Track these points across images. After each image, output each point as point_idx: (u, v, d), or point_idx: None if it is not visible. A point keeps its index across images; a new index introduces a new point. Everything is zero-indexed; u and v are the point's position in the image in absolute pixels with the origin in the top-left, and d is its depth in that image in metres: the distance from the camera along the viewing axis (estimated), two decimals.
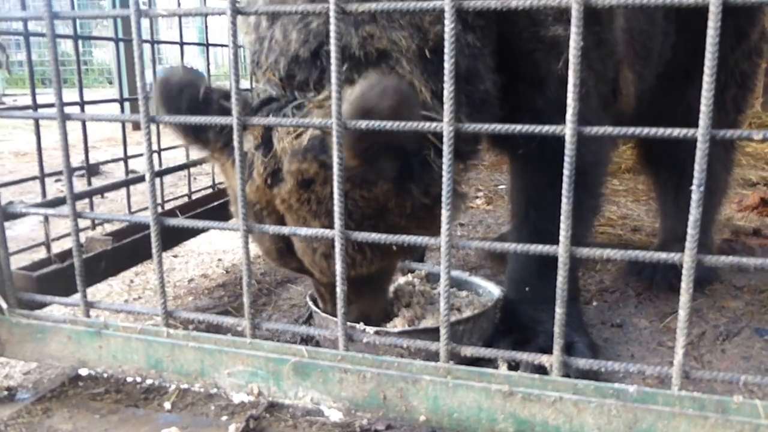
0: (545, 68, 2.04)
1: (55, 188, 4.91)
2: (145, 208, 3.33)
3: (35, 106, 2.35)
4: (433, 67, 1.77)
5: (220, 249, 3.83)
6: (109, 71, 18.36)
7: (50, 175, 2.55)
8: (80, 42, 2.75)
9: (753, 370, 2.27)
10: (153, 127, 1.66)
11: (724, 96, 3.08)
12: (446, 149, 1.44)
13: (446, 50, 1.39)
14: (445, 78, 1.41)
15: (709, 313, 2.77)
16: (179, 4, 3.56)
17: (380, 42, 1.74)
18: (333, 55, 1.45)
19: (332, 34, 1.43)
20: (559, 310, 1.46)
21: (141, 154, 2.52)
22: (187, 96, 1.70)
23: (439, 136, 1.62)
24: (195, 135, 1.80)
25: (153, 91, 1.70)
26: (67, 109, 1.72)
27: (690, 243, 1.33)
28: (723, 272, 3.16)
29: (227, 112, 1.62)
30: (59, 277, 2.28)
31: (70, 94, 2.82)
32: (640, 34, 2.49)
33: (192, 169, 3.61)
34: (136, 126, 8.09)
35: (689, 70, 2.87)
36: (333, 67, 1.45)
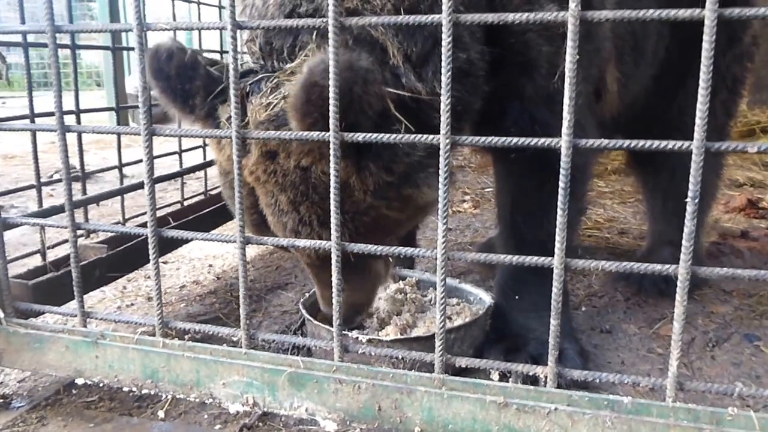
0: (536, 50, 2.00)
1: (45, 192, 4.88)
2: (140, 215, 3.34)
3: (32, 117, 2.35)
4: (408, 28, 1.74)
5: (210, 255, 3.82)
6: (98, 74, 18.30)
7: (46, 184, 2.55)
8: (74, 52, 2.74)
9: (744, 377, 2.28)
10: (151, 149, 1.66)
11: (714, 100, 3.04)
12: (443, 161, 1.45)
13: (443, 63, 1.40)
14: (442, 90, 1.42)
15: (699, 318, 2.78)
16: (173, 14, 3.56)
17: (352, 1, 1.71)
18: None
19: None
20: (553, 322, 1.47)
21: (136, 161, 2.53)
22: (176, 62, 1.68)
23: (402, 106, 1.65)
24: (183, 101, 1.77)
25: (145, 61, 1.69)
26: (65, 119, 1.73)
27: (684, 255, 1.35)
28: (711, 278, 3.16)
29: (213, 78, 1.64)
30: (54, 285, 2.27)
31: (66, 101, 2.81)
32: (630, 35, 2.48)
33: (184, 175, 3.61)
34: (126, 123, 8.02)
35: (683, 71, 2.87)
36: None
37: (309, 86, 1.51)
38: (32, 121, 2.26)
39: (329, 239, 1.63)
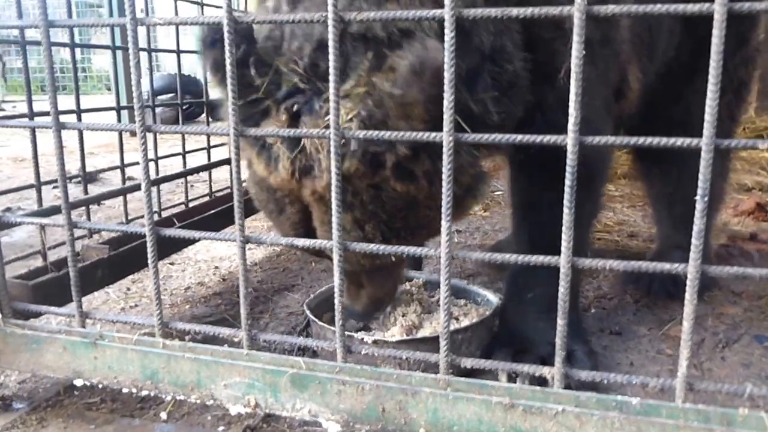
0: (561, 60, 1.93)
1: (53, 195, 4.89)
2: (143, 216, 3.31)
3: (31, 115, 2.33)
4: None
5: (217, 256, 3.81)
6: (107, 78, 18.36)
7: (46, 183, 2.53)
8: (79, 49, 2.73)
9: (753, 378, 2.25)
10: (150, 135, 1.63)
11: (719, 102, 3.07)
12: (446, 159, 1.42)
13: (446, 59, 1.37)
14: (445, 88, 1.38)
15: (709, 320, 2.75)
16: (176, 12, 3.54)
17: (403, 21, 1.66)
18: (331, 63, 1.43)
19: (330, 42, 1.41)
20: (560, 321, 1.44)
21: (137, 163, 2.51)
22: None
23: (468, 121, 1.62)
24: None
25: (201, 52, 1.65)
26: (64, 118, 1.71)
27: (694, 254, 1.31)
28: (721, 279, 3.14)
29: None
30: (55, 286, 2.25)
31: (69, 102, 2.80)
32: (647, 32, 2.46)
33: (189, 177, 3.59)
34: (134, 132, 8.14)
35: (691, 70, 2.83)
36: (331, 74, 1.43)
37: (433, 72, 1.47)
38: (31, 120, 2.24)
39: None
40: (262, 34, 1.70)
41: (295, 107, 1.64)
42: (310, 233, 1.83)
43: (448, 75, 1.38)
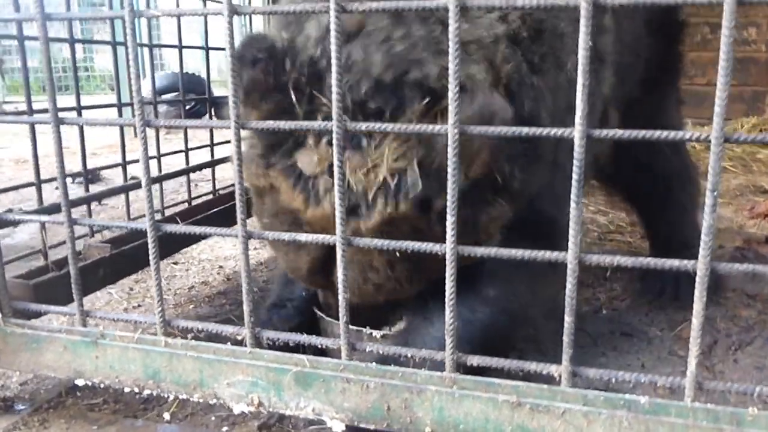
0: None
1: (55, 196, 4.87)
2: (142, 216, 3.30)
3: (30, 111, 2.32)
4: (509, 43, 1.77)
5: (221, 256, 3.79)
6: (110, 77, 18.34)
7: (47, 181, 2.51)
8: (82, 48, 2.72)
9: (767, 381, 2.23)
10: (152, 132, 1.61)
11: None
12: (451, 151, 1.39)
13: (450, 50, 1.35)
14: (450, 80, 1.36)
15: (721, 322, 2.73)
16: (178, 5, 3.52)
17: (473, 33, 1.69)
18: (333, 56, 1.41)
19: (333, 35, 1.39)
20: (567, 319, 1.42)
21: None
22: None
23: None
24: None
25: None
26: (63, 115, 1.69)
27: (704, 250, 1.29)
28: (735, 281, 3.11)
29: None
30: (57, 286, 2.23)
31: (71, 100, 2.78)
32: (625, 72, 2.48)
33: (193, 176, 3.57)
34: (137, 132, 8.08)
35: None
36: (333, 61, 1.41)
37: (501, 122, 1.52)
38: (30, 115, 2.22)
39: (410, 293, 1.75)
40: (301, 59, 1.67)
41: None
42: (328, 272, 1.80)
43: (452, 66, 1.35)
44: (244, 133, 1.60)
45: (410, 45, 1.65)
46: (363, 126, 1.49)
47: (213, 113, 3.84)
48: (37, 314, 2.02)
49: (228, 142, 3.77)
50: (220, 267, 3.59)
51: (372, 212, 1.61)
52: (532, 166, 1.80)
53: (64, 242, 2.62)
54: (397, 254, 1.67)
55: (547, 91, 1.86)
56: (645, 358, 2.42)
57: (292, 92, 1.63)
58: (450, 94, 1.37)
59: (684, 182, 3.20)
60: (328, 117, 1.61)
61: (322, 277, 1.83)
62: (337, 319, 2.02)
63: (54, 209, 2.34)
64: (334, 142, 1.45)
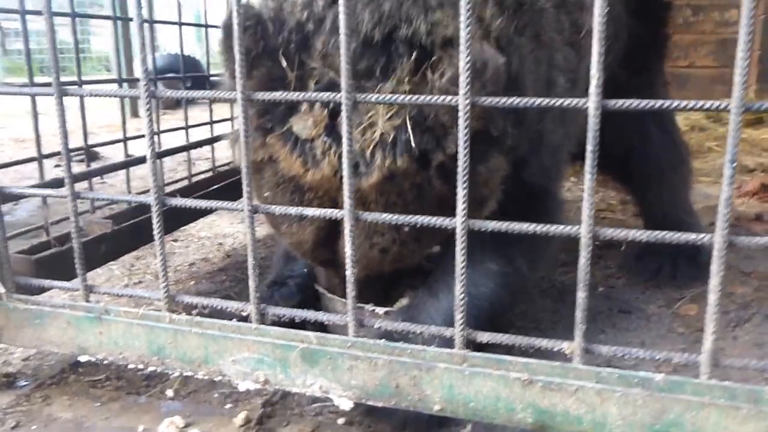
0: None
1: (55, 173, 4.85)
2: (146, 191, 3.27)
3: (31, 83, 2.29)
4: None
5: (220, 233, 3.78)
6: (107, 59, 18.30)
7: (48, 156, 2.47)
8: (78, 30, 2.68)
9: (767, 357, 2.22)
10: (152, 113, 1.57)
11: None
12: (462, 122, 1.36)
13: (462, 17, 1.32)
14: (461, 49, 1.33)
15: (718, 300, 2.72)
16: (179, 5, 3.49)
17: (447, 29, 1.65)
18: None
19: None
20: (581, 294, 1.39)
21: (141, 136, 2.47)
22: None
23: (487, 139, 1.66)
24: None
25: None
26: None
27: (721, 222, 1.26)
28: (729, 258, 3.09)
29: None
30: (58, 261, 2.21)
31: (69, 79, 2.74)
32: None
33: (192, 154, 3.54)
34: (135, 113, 8.06)
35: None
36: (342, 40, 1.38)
37: (494, 71, 1.52)
38: (31, 86, 2.19)
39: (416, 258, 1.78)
40: (289, 25, 1.67)
41: (332, 104, 1.61)
42: (332, 244, 1.79)
43: (464, 34, 1.32)
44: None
45: (398, 2, 1.65)
46: (373, 98, 1.46)
47: None
48: (40, 290, 1.99)
49: (227, 120, 3.76)
50: (220, 244, 3.58)
51: (371, 169, 1.61)
52: (522, 125, 1.80)
53: (64, 220, 2.61)
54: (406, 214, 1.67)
55: (530, 58, 1.86)
56: (645, 336, 2.40)
57: (282, 58, 1.63)
58: (461, 64, 1.34)
59: (676, 163, 3.20)
60: (320, 81, 1.63)
61: (326, 250, 1.82)
62: (340, 296, 2.02)
63: (56, 184, 2.31)
64: (343, 114, 1.42)
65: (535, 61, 1.90)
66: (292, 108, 1.65)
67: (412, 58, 1.61)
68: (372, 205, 1.65)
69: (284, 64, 1.63)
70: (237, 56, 1.46)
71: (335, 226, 1.72)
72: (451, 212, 1.64)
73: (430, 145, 1.61)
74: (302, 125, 1.64)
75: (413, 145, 1.58)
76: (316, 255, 1.86)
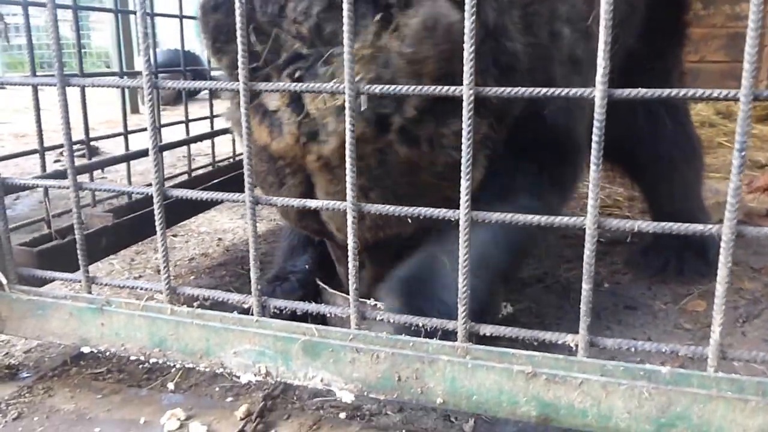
0: (561, 43, 1.96)
1: (56, 167, 4.84)
2: (147, 185, 3.26)
3: (33, 73, 2.27)
4: None
5: (220, 229, 3.78)
6: (107, 55, 18.27)
7: (50, 148, 2.47)
8: (79, 25, 2.67)
9: None
10: (154, 105, 1.56)
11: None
12: (466, 113, 1.35)
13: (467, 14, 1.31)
14: (465, 36, 1.32)
15: (727, 294, 2.70)
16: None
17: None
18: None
19: None
20: (585, 287, 1.38)
21: (141, 129, 2.46)
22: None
23: None
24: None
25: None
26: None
27: (730, 213, 1.25)
28: (739, 254, 3.08)
29: None
30: (60, 253, 2.21)
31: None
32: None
33: (192, 150, 3.54)
34: (134, 109, 8.05)
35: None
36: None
37: (446, 28, 1.48)
38: (33, 77, 2.17)
39: (392, 224, 1.72)
40: None
41: (298, 73, 1.61)
42: (314, 210, 1.79)
43: (468, 24, 1.31)
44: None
45: None
46: (377, 89, 1.45)
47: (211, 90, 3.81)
48: (42, 281, 1.99)
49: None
50: (219, 239, 3.57)
51: (331, 136, 1.61)
52: (507, 76, 1.75)
53: (65, 213, 2.61)
54: (371, 180, 1.69)
55: (517, 11, 1.82)
56: (651, 332, 2.39)
57: (252, 33, 1.61)
58: (465, 54, 1.33)
59: (689, 156, 3.13)
60: (293, 53, 1.62)
61: (312, 220, 1.85)
62: (345, 270, 2.02)
63: (58, 176, 2.30)
64: (347, 105, 1.41)
65: (531, 13, 1.86)
66: (266, 81, 1.62)
67: (375, 19, 1.57)
68: (337, 170, 1.66)
69: (253, 38, 1.61)
70: (239, 48, 1.45)
71: (311, 193, 1.75)
72: (427, 178, 1.68)
73: (389, 108, 1.61)
74: (271, 97, 1.66)
75: (364, 107, 1.56)
76: (304, 224, 1.89)
